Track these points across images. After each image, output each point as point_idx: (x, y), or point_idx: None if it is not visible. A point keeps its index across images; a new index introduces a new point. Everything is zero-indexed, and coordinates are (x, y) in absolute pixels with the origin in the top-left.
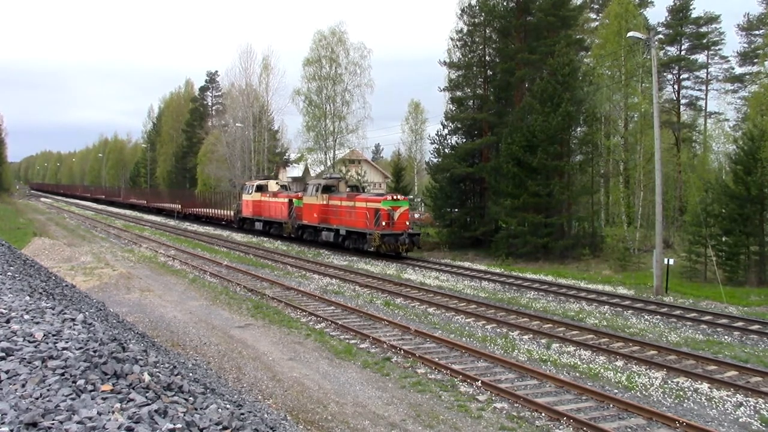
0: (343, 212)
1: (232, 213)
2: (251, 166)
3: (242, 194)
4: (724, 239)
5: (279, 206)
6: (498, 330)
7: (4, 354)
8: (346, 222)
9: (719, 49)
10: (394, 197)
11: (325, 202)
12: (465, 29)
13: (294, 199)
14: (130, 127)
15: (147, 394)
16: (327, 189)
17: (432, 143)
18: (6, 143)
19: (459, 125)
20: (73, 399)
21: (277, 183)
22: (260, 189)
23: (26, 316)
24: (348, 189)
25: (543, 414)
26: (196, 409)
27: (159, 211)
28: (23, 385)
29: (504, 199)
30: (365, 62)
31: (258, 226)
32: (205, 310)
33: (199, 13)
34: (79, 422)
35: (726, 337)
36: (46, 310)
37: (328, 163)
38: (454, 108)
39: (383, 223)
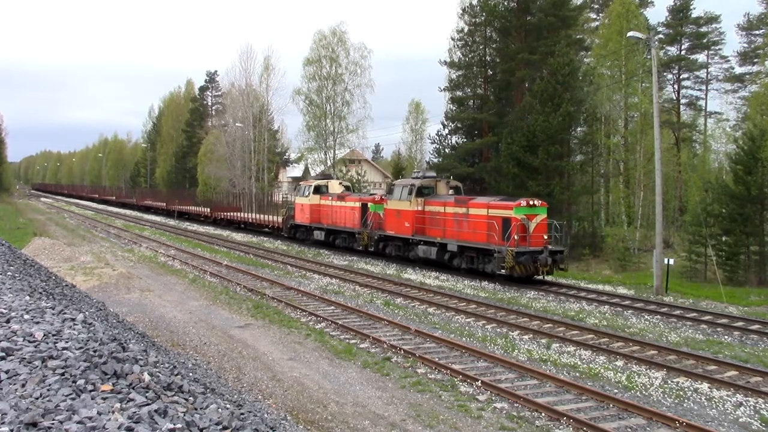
0: (449, 221)
1: (279, 219)
2: (251, 166)
3: (294, 196)
4: (724, 239)
5: (348, 212)
6: (498, 330)
7: (4, 354)
8: (455, 234)
9: (719, 49)
10: (530, 202)
11: (420, 208)
12: (466, 29)
13: (369, 204)
14: (130, 127)
15: (147, 394)
16: (421, 191)
17: (432, 143)
18: (6, 143)
19: (459, 125)
20: (73, 399)
21: (340, 183)
22: (318, 190)
23: (26, 316)
24: (450, 191)
25: (543, 414)
26: (196, 409)
27: (181, 215)
28: (23, 385)
29: None
30: (365, 62)
31: (318, 235)
32: (205, 310)
33: (199, 13)
34: (79, 422)
35: (726, 337)
36: (46, 309)
37: (329, 163)
38: (454, 108)
39: (515, 237)
